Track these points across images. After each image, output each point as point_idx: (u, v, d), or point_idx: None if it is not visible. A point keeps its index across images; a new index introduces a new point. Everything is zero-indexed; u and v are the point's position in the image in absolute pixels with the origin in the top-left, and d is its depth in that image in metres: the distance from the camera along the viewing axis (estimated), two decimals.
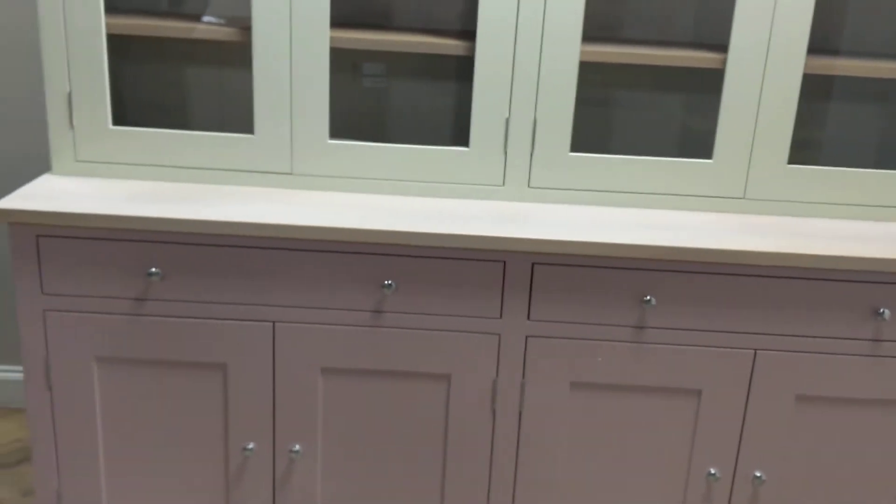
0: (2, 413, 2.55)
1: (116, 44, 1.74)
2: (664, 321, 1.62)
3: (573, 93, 1.69)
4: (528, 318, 1.63)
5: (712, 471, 1.71)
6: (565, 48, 1.67)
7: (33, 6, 2.09)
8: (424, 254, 1.59)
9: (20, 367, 2.54)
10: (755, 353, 1.64)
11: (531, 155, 1.73)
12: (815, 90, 1.88)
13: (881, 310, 1.59)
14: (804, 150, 1.89)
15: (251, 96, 1.73)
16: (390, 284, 1.60)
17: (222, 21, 1.80)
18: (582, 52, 1.68)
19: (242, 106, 1.79)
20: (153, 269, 1.60)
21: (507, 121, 1.71)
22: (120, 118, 1.77)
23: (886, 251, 1.58)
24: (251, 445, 1.71)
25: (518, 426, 1.70)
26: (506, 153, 1.73)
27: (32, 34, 2.17)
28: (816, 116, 1.93)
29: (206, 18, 1.84)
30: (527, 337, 1.64)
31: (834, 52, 1.85)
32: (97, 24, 1.68)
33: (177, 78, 1.95)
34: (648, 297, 1.60)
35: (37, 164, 2.25)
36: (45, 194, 1.65)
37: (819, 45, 1.84)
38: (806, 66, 1.68)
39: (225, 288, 1.62)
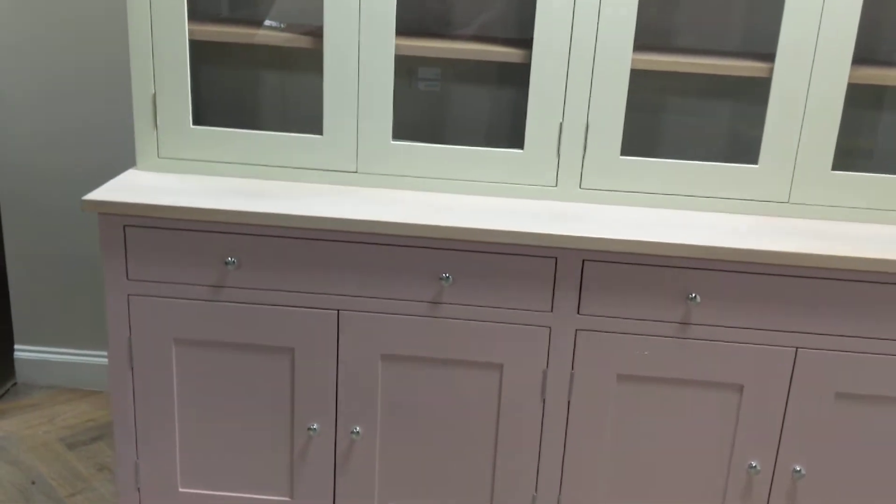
0: (78, 395, 2.71)
1: (197, 49, 1.87)
2: (708, 318, 1.70)
3: (624, 99, 1.78)
4: (578, 312, 1.72)
5: (753, 463, 1.78)
6: (617, 56, 1.75)
7: (122, 11, 2.24)
8: (480, 249, 1.69)
9: (92, 351, 2.70)
10: (796, 351, 1.71)
11: (583, 158, 1.82)
12: (860, 99, 1.93)
13: None
14: (848, 157, 1.95)
15: (320, 99, 1.84)
16: (447, 277, 1.70)
17: (282, 25, 1.93)
18: (633, 61, 1.77)
19: (312, 108, 1.91)
20: (229, 259, 1.73)
21: (561, 125, 1.81)
22: (200, 118, 1.90)
23: None
24: (315, 426, 1.83)
25: (567, 415, 1.79)
26: (559, 156, 1.83)
27: (116, 38, 2.33)
28: (861, 124, 1.99)
29: (267, 23, 1.97)
30: (576, 330, 1.73)
31: (881, 62, 1.91)
32: (181, 31, 1.81)
33: (252, 81, 2.09)
34: (693, 295, 1.68)
35: (118, 162, 2.41)
36: (131, 187, 1.79)
37: (864, 55, 1.90)
38: (851, 75, 1.74)
39: (294, 277, 1.74)
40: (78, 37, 2.36)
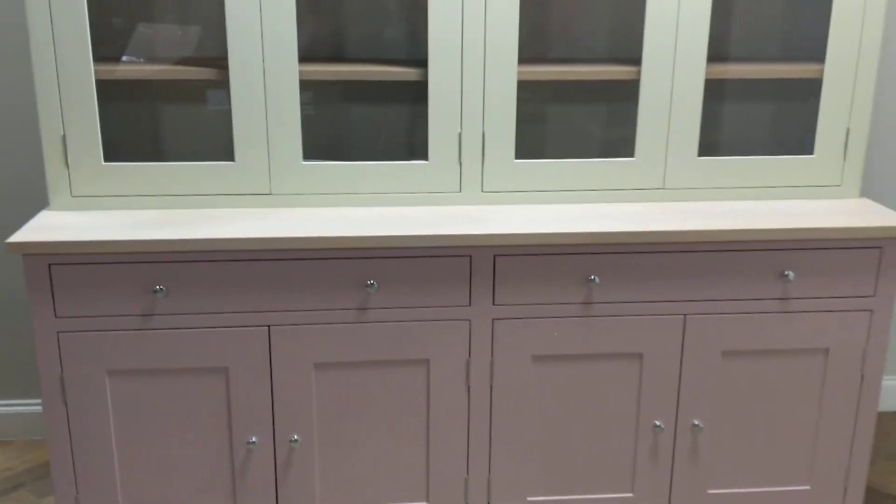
0: None
1: (102, 88, 1.92)
2: (607, 296, 1.90)
3: (514, 108, 1.96)
4: (493, 303, 1.88)
5: (657, 423, 1.99)
6: (504, 70, 1.93)
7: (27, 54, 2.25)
8: (400, 255, 1.83)
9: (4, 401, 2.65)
10: (685, 318, 1.93)
11: (482, 164, 1.99)
12: (717, 91, 2.19)
13: (786, 272, 1.90)
14: (710, 144, 2.21)
15: (229, 127, 1.94)
16: (372, 284, 1.83)
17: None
18: (519, 73, 1.95)
19: (222, 136, 1.99)
20: (157, 287, 1.80)
21: (460, 135, 1.97)
22: (110, 155, 1.96)
23: (787, 223, 1.89)
24: (254, 439, 1.91)
25: (490, 399, 1.94)
26: (460, 164, 1.99)
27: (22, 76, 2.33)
28: (720, 114, 2.25)
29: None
30: (493, 320, 1.89)
31: (729, 58, 2.17)
32: (87, 71, 1.87)
33: (160, 115, 2.15)
34: (593, 277, 1.87)
35: (25, 196, 2.40)
36: (50, 227, 1.83)
37: (716, 53, 2.16)
38: (707, 72, 1.99)
39: (223, 299, 1.82)
40: None
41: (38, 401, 2.66)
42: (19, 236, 1.76)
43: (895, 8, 2.31)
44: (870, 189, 2.53)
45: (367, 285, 1.83)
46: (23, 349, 2.60)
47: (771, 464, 2.05)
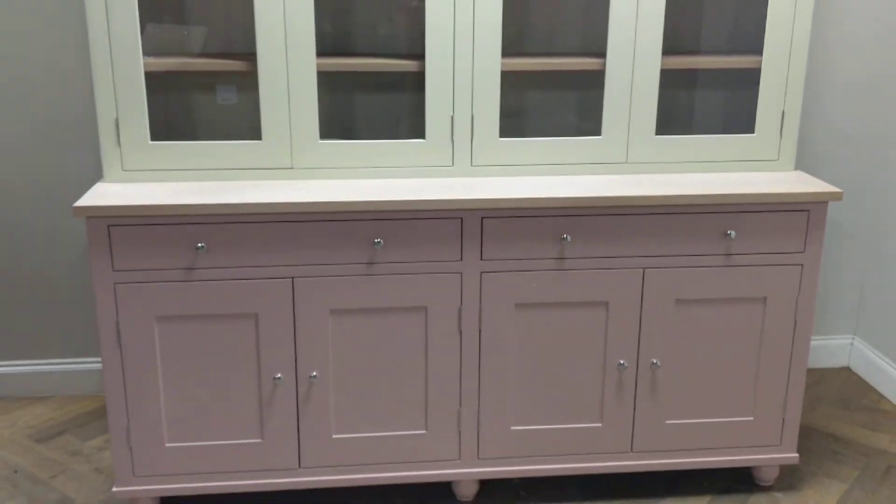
0: (32, 401, 2.99)
1: (149, 78, 2.26)
2: (578, 252, 2.24)
3: (498, 94, 2.31)
4: (481, 258, 2.23)
5: (621, 361, 2.34)
6: (490, 62, 2.28)
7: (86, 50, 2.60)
8: (403, 217, 2.17)
9: (40, 360, 2.99)
10: (644, 271, 2.28)
11: (471, 142, 2.34)
12: (672, 80, 2.55)
13: (729, 231, 2.25)
14: (667, 124, 2.56)
15: (258, 111, 2.28)
16: (379, 242, 2.17)
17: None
18: (502, 64, 2.30)
19: (251, 120, 2.34)
20: (199, 244, 2.14)
21: (452, 118, 2.32)
22: (156, 135, 2.30)
23: (730, 189, 2.24)
24: (279, 375, 2.26)
25: (479, 341, 2.29)
26: (453, 142, 2.34)
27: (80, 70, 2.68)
28: (674, 99, 2.61)
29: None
30: (481, 273, 2.24)
31: (682, 52, 2.53)
32: (137, 65, 2.21)
33: (197, 101, 2.49)
34: (566, 236, 2.22)
35: (78, 175, 2.75)
36: (107, 195, 2.17)
37: (670, 47, 2.51)
38: (662, 63, 2.34)
39: (254, 255, 2.17)
40: (34, 73, 2.70)
41: (73, 359, 3.01)
42: (83, 202, 2.10)
43: (821, 9, 2.68)
44: (804, 163, 2.90)
45: (374, 243, 2.18)
46: (55, 313, 2.95)
47: (719, 397, 2.40)
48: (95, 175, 2.56)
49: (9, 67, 2.69)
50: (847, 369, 3.28)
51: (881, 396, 3.08)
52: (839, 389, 3.13)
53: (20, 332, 2.96)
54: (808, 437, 2.79)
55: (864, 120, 2.98)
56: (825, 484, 2.55)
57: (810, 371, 3.25)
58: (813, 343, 3.23)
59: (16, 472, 2.59)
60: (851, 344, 3.27)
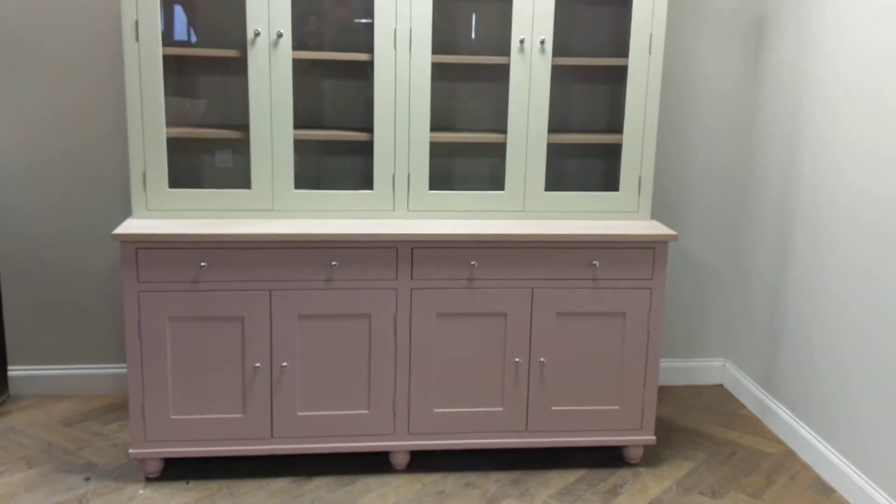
0: (61, 398, 3.71)
1: (169, 142, 3.07)
2: (483, 275, 3.03)
3: (427, 158, 3.12)
4: (412, 278, 3.01)
5: (517, 360, 3.10)
6: (421, 135, 3.10)
7: (122, 121, 3.42)
8: (354, 245, 2.96)
9: (69, 365, 3.72)
10: (533, 290, 3.06)
11: (408, 193, 3.15)
12: (558, 151, 3.38)
13: (594, 262, 3.05)
14: (554, 183, 3.38)
15: (248, 167, 3.08)
16: (335, 264, 2.95)
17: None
18: (431, 136, 3.12)
19: (243, 172, 3.14)
20: (202, 263, 2.91)
21: (394, 175, 3.13)
22: (172, 184, 3.09)
23: (595, 231, 3.04)
24: (258, 364, 3.01)
25: (409, 342, 3.05)
26: (394, 192, 3.14)
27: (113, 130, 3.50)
28: (560, 165, 3.44)
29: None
30: (411, 289, 3.01)
31: (566, 130, 3.36)
32: (161, 131, 3.02)
33: (202, 159, 3.30)
34: (474, 262, 3.01)
35: (107, 207, 3.54)
36: (136, 227, 2.95)
37: (557, 126, 3.35)
38: (549, 138, 3.17)
39: (242, 272, 2.94)
40: (66, 135, 3.51)
41: (94, 365, 3.74)
42: (119, 230, 2.88)
43: (667, 97, 3.54)
44: (661, 215, 3.73)
45: (332, 265, 2.96)
46: (80, 327, 3.70)
47: (592, 389, 3.16)
48: (122, 214, 3.35)
49: (65, 133, 3.50)
50: (720, 386, 4.05)
51: (742, 406, 3.84)
52: (710, 401, 3.89)
53: (52, 342, 3.70)
54: (676, 432, 3.54)
55: (728, 174, 3.82)
56: (680, 462, 3.30)
57: (690, 387, 4.02)
58: (691, 364, 4.02)
59: (50, 445, 3.31)
60: (723, 365, 4.04)
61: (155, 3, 2.91)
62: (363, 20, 3.28)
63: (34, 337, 3.69)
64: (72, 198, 3.58)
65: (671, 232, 3.08)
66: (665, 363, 3.99)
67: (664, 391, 3.96)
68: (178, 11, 3.28)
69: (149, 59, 2.96)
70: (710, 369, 4.05)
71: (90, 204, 3.59)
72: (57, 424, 3.48)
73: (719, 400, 3.90)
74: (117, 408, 3.63)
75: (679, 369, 4.03)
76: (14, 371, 3.72)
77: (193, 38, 3.31)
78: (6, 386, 3.73)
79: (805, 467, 3.28)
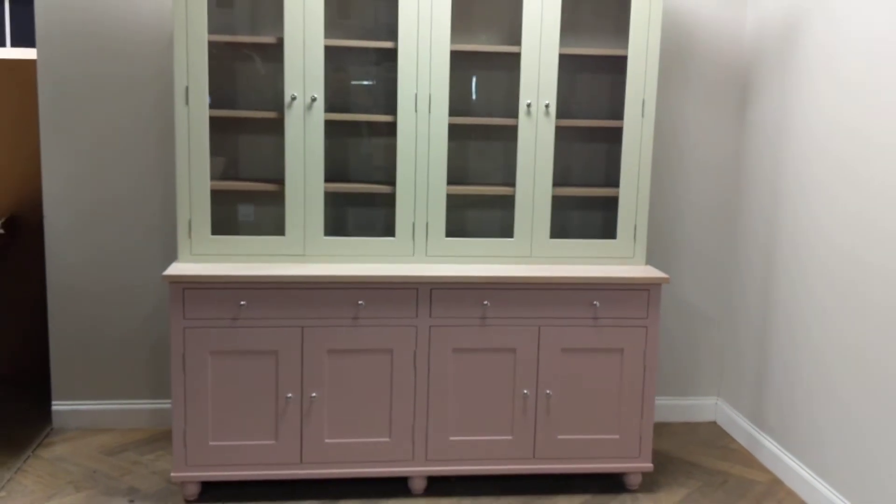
0: (101, 431, 4.00)
1: (213, 194, 3.42)
2: (495, 314, 3.35)
3: (444, 208, 3.47)
4: (430, 316, 3.33)
5: (525, 391, 3.40)
6: (438, 189, 3.46)
7: (170, 175, 3.79)
8: (378, 287, 3.28)
9: (109, 401, 4.02)
10: (539, 328, 3.37)
11: (426, 239, 3.49)
12: (562, 202, 3.73)
13: (595, 302, 3.37)
14: (559, 230, 3.72)
15: (282, 218, 3.43)
16: (361, 303, 3.28)
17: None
18: (448, 190, 3.48)
19: (278, 222, 3.49)
20: (242, 302, 3.24)
21: (414, 224, 3.47)
22: (215, 231, 3.44)
23: (596, 274, 3.37)
24: (290, 395, 3.31)
25: (427, 375, 3.36)
26: (413, 240, 3.48)
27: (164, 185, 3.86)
28: (564, 215, 3.79)
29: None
30: (430, 326, 3.33)
31: (569, 184, 3.72)
32: (206, 184, 3.37)
33: (241, 209, 3.65)
34: (486, 302, 3.33)
35: (150, 255, 3.88)
36: (182, 269, 3.28)
37: (560, 180, 3.71)
38: (553, 191, 3.52)
39: (277, 310, 3.26)
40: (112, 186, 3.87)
41: (130, 400, 4.04)
42: (168, 272, 3.22)
43: (662, 152, 3.90)
44: (656, 260, 4.06)
45: (358, 304, 3.28)
46: (118, 362, 4.01)
47: (594, 419, 3.45)
48: (164, 259, 3.69)
49: (114, 185, 3.86)
50: (714, 423, 4.34)
51: (734, 440, 4.12)
52: (704, 436, 4.17)
53: (93, 379, 4.00)
54: (673, 464, 3.82)
55: (717, 223, 4.17)
56: (675, 489, 3.57)
57: (685, 423, 4.31)
58: (686, 402, 4.32)
59: (94, 471, 3.59)
60: (716, 403, 4.34)
61: (204, 71, 3.29)
62: (388, 86, 3.66)
63: (77, 374, 3.99)
64: (117, 244, 3.92)
65: (664, 275, 3.41)
66: (662, 401, 4.29)
67: (661, 427, 4.24)
68: (224, 77, 3.66)
69: (197, 120, 3.33)
70: (704, 407, 4.34)
71: (134, 250, 3.92)
72: (99, 454, 3.76)
73: (713, 435, 4.19)
74: (154, 440, 3.92)
75: (675, 406, 4.32)
76: (58, 406, 4.01)
77: (237, 102, 3.69)
78: (50, 420, 4.02)
79: (790, 493, 3.55)
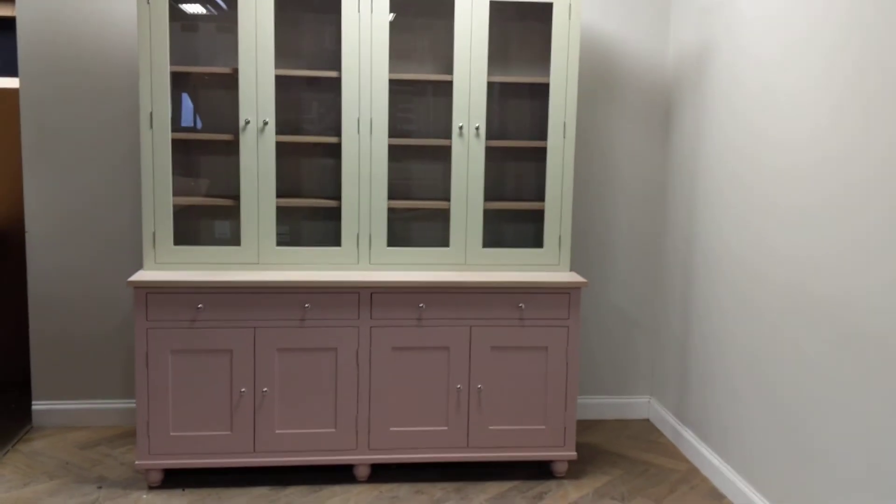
0: (77, 429, 4.33)
1: (175, 208, 3.78)
2: (430, 315, 3.69)
3: (385, 221, 3.83)
4: (371, 318, 3.67)
5: (458, 386, 3.74)
6: (380, 200, 3.82)
7: (135, 188, 4.16)
8: (324, 291, 3.64)
9: (86, 401, 4.35)
10: (471, 328, 3.72)
11: (370, 249, 3.84)
12: (493, 215, 4.09)
13: (520, 304, 3.72)
14: (491, 241, 4.08)
15: (238, 228, 3.79)
16: (308, 306, 3.63)
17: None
18: (389, 203, 3.84)
19: (234, 233, 3.84)
20: (199, 305, 3.59)
21: (358, 234, 3.83)
22: (177, 241, 3.79)
23: (521, 278, 3.72)
24: (244, 389, 3.65)
25: (369, 371, 3.70)
26: (358, 248, 3.84)
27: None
28: (496, 227, 4.15)
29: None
30: (371, 327, 3.68)
31: (501, 198, 4.08)
32: (168, 200, 3.73)
33: (202, 223, 4.02)
34: (422, 305, 3.68)
35: (121, 265, 4.23)
36: (146, 276, 3.64)
37: (493, 195, 4.08)
38: (485, 205, 3.88)
39: (232, 312, 3.61)
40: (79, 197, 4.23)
41: (104, 400, 4.37)
42: (133, 278, 3.57)
43: (589, 168, 4.27)
44: (588, 269, 4.42)
45: (305, 307, 3.63)
46: (93, 364, 4.35)
47: (523, 411, 3.79)
48: (131, 267, 4.05)
49: (86, 200, 4.22)
50: (647, 420, 4.68)
51: (662, 435, 4.46)
52: (635, 432, 4.51)
53: (71, 381, 4.34)
54: (601, 455, 4.15)
55: (643, 233, 4.53)
56: (599, 476, 3.91)
57: (620, 420, 4.65)
58: (621, 400, 4.66)
59: (67, 463, 3.92)
60: (649, 402, 4.68)
61: (166, 98, 3.67)
62: (333, 110, 4.04)
63: (55, 375, 4.34)
64: (91, 255, 4.27)
65: (583, 280, 3.76)
66: (598, 399, 4.63)
67: (597, 423, 4.58)
68: (186, 102, 4.03)
69: (160, 143, 3.69)
70: (638, 405, 4.68)
71: (106, 260, 4.28)
72: (73, 448, 4.10)
73: (643, 431, 4.52)
74: (126, 436, 4.25)
75: (611, 405, 4.66)
76: (37, 405, 4.35)
77: (198, 125, 4.06)
78: (30, 418, 4.36)
79: (704, 480, 3.89)
